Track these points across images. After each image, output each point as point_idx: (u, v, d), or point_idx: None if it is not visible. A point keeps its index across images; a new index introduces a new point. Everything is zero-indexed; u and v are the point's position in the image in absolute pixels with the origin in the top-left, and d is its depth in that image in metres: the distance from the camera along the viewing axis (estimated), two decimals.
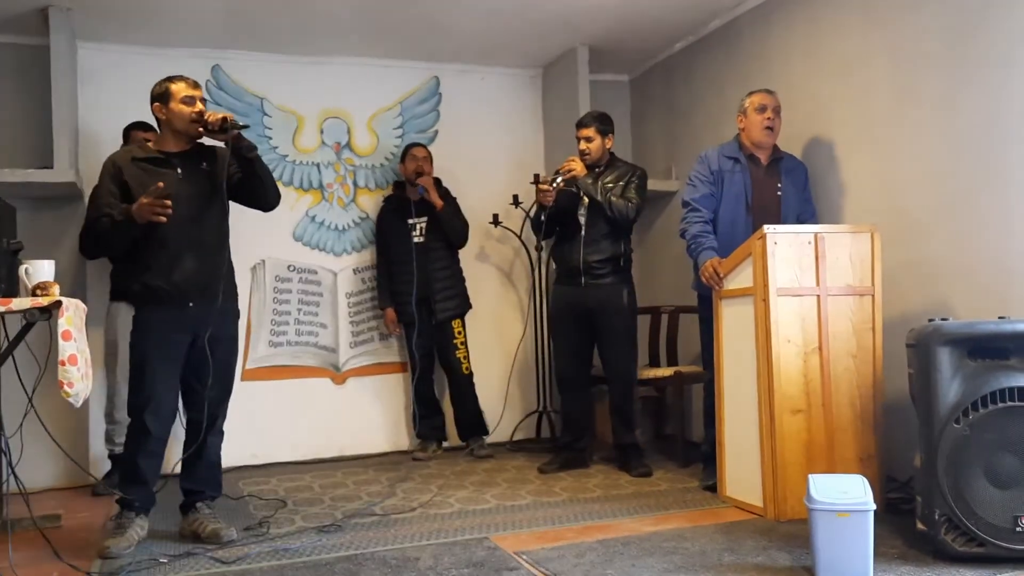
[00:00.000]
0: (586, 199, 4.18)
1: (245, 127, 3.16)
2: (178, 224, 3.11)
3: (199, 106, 3.18)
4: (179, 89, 3.17)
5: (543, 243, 4.46)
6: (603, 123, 4.26)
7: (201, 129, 3.16)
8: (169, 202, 3.02)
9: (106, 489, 3.95)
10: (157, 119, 3.27)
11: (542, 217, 4.25)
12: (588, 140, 4.21)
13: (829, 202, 3.91)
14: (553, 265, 4.52)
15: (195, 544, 3.13)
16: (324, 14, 4.41)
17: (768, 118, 3.70)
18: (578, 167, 4.15)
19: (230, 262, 3.37)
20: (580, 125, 4.27)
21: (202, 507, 3.29)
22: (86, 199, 4.17)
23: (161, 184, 3.02)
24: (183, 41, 4.70)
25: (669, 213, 5.23)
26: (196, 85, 3.23)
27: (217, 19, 4.42)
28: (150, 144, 3.32)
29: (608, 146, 4.28)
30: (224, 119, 3.10)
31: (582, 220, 4.20)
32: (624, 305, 4.21)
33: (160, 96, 3.21)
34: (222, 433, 3.42)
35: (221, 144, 3.23)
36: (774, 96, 3.75)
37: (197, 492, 3.30)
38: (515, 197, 5.13)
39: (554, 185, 4.12)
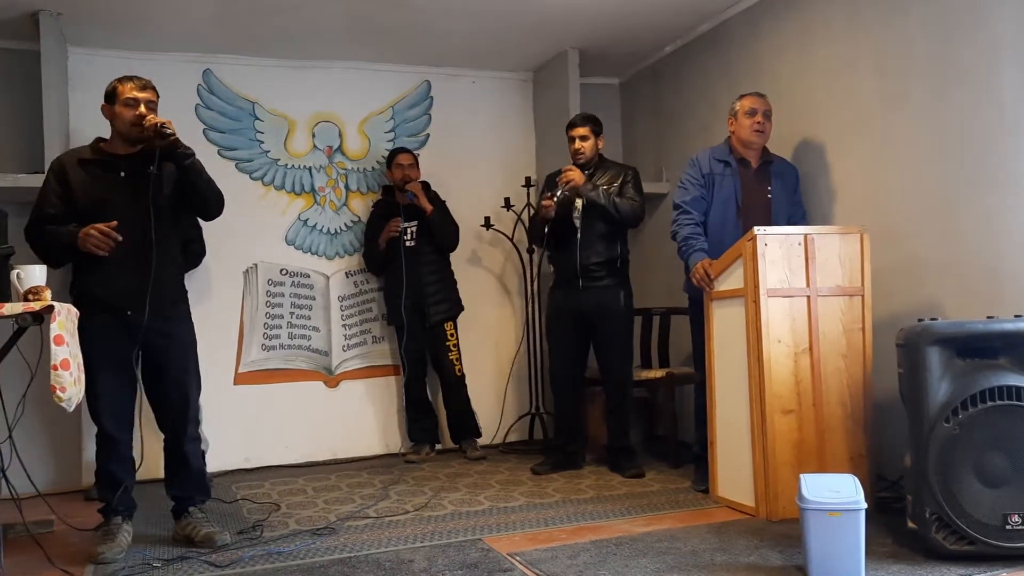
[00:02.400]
0: (579, 203, 4.18)
1: (174, 135, 3.05)
2: (119, 231, 3.03)
3: (141, 109, 3.09)
4: (124, 90, 3.10)
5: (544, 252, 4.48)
6: (595, 123, 4.28)
7: (140, 133, 3.09)
8: (113, 241, 2.99)
9: (97, 496, 3.94)
10: (107, 119, 3.20)
11: (545, 230, 4.23)
12: (583, 139, 4.22)
13: (819, 204, 3.93)
14: (549, 268, 4.52)
15: (188, 548, 3.12)
16: (315, 18, 4.42)
17: (758, 122, 3.72)
18: (576, 176, 4.14)
19: (179, 265, 3.32)
20: (572, 125, 4.28)
21: (194, 511, 3.29)
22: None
23: (115, 224, 2.98)
24: (174, 46, 4.70)
25: (660, 215, 5.25)
26: (146, 87, 3.15)
27: (208, 24, 4.42)
28: (103, 145, 3.22)
29: (600, 147, 4.30)
30: (158, 124, 3.03)
31: (577, 223, 4.20)
32: (621, 308, 4.22)
33: (108, 96, 3.14)
34: (199, 438, 3.39)
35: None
36: (764, 99, 3.77)
37: (186, 498, 3.31)
38: (506, 200, 5.14)
39: (556, 198, 4.12)
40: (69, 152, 3.31)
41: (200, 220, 3.40)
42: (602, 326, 4.21)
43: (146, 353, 3.15)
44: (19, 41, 4.37)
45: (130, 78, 3.15)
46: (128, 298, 3.09)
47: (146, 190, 3.11)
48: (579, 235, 4.20)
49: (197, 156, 3.20)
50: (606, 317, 4.19)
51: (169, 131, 3.04)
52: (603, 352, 4.27)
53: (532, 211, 4.61)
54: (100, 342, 3.07)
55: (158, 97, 3.21)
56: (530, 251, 5.14)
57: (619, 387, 4.25)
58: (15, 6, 4.05)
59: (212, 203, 3.30)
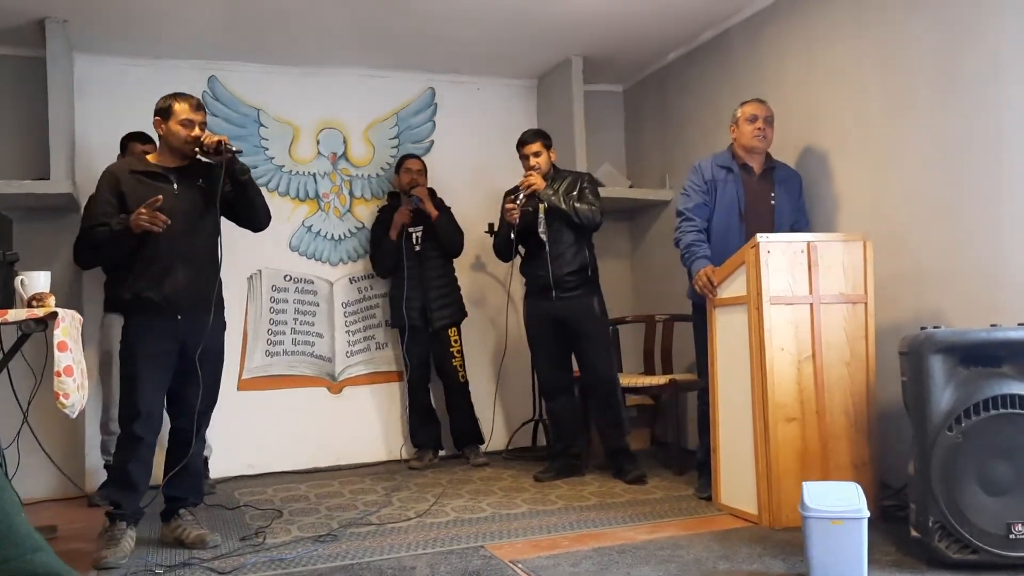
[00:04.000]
0: (542, 217, 4.21)
1: (239, 151, 3.26)
2: (171, 238, 3.18)
3: (197, 131, 3.25)
4: (180, 110, 3.25)
5: (513, 261, 4.50)
6: (545, 138, 4.36)
7: (197, 150, 3.26)
8: (163, 216, 3.10)
9: (102, 500, 3.95)
10: (157, 133, 3.34)
11: (511, 235, 4.28)
12: (536, 155, 4.28)
13: (822, 210, 3.93)
14: (524, 280, 4.54)
15: (188, 554, 3.13)
16: (320, 26, 4.43)
17: (759, 128, 3.72)
18: (537, 181, 4.21)
19: (219, 276, 3.40)
20: (524, 143, 4.33)
21: (184, 514, 3.34)
22: (82, 210, 4.17)
23: (160, 198, 3.09)
24: (180, 52, 4.72)
25: (663, 222, 5.25)
26: (199, 107, 3.30)
27: (214, 30, 4.44)
28: (149, 157, 3.38)
29: (553, 159, 4.37)
30: (219, 143, 3.20)
31: (544, 237, 4.23)
32: (596, 313, 4.26)
33: (161, 112, 3.28)
34: (204, 441, 3.50)
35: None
36: (765, 106, 3.78)
37: (180, 499, 3.35)
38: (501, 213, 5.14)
39: (518, 202, 4.19)
40: (119, 163, 3.50)
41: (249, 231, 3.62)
42: (581, 332, 4.25)
43: (184, 356, 3.25)
44: (25, 48, 4.40)
45: (184, 97, 3.29)
46: (178, 303, 3.22)
47: (196, 201, 3.30)
48: (547, 247, 4.23)
49: (251, 171, 3.40)
50: (583, 323, 4.23)
51: (232, 148, 3.22)
52: (585, 358, 4.31)
53: (496, 225, 4.62)
54: (146, 344, 3.19)
55: (207, 116, 3.39)
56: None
57: (606, 389, 4.27)
58: (22, 13, 4.08)
59: (262, 216, 3.50)
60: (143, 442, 3.17)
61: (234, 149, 3.23)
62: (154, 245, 3.18)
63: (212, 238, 3.32)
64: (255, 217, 3.48)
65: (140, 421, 3.15)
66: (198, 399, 3.26)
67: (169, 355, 3.23)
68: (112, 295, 3.66)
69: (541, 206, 4.22)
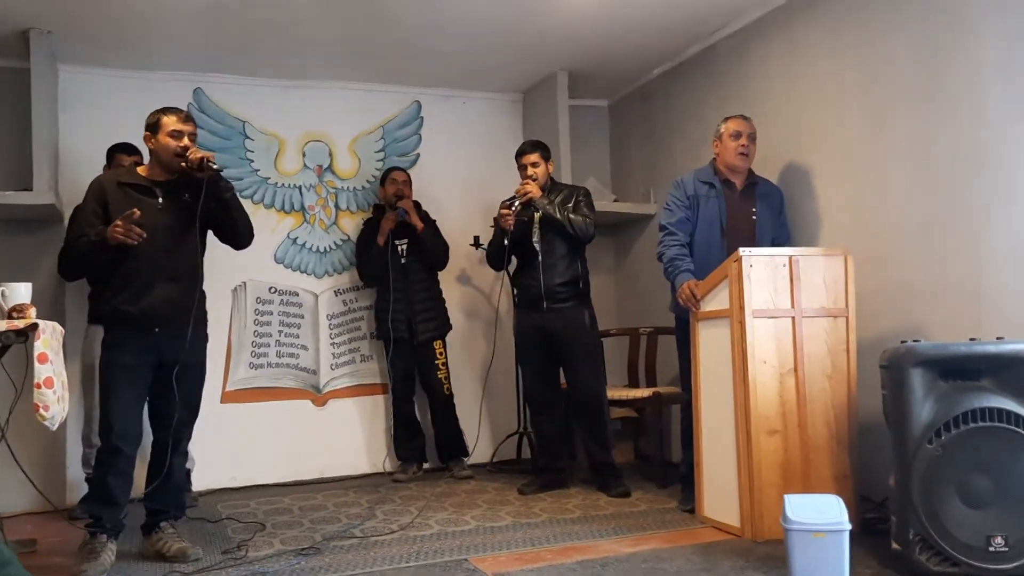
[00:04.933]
0: (537, 227, 4.24)
1: (221, 169, 3.27)
2: (153, 252, 3.18)
3: (185, 141, 3.25)
4: (169, 122, 3.25)
5: (507, 270, 4.50)
6: (544, 149, 4.37)
7: (182, 163, 3.25)
8: (139, 229, 3.07)
9: (82, 513, 3.92)
10: (148, 148, 3.34)
11: (504, 242, 4.28)
12: (535, 166, 4.30)
13: (804, 225, 3.96)
14: (515, 290, 4.54)
15: (158, 562, 3.13)
16: (306, 39, 4.45)
17: (742, 145, 3.75)
18: (533, 189, 4.22)
19: (202, 290, 3.41)
20: (523, 153, 4.35)
21: (166, 527, 3.32)
22: (66, 222, 4.16)
23: (137, 212, 3.06)
24: (165, 64, 4.72)
25: (647, 236, 5.28)
26: (188, 119, 3.30)
27: (199, 43, 4.45)
28: (140, 170, 3.38)
29: (550, 170, 4.39)
30: (203, 159, 3.20)
31: (537, 247, 4.26)
32: (587, 327, 4.27)
33: (151, 126, 3.29)
34: (186, 454, 3.49)
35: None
36: (749, 123, 3.81)
37: (161, 512, 3.33)
38: (496, 219, 5.15)
39: (513, 208, 4.19)
40: (107, 174, 3.48)
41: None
42: (570, 346, 4.25)
43: (162, 370, 3.23)
44: (9, 59, 4.38)
45: (173, 110, 3.30)
46: (157, 316, 3.21)
47: (181, 216, 3.29)
48: (540, 258, 4.25)
49: (235, 189, 3.39)
50: (573, 337, 4.23)
51: (215, 165, 3.21)
52: (573, 372, 4.30)
53: (491, 232, 4.61)
54: (124, 358, 3.18)
55: (196, 128, 3.36)
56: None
57: (593, 404, 4.27)
58: (6, 23, 4.06)
59: (244, 235, 3.48)
60: (122, 455, 3.15)
61: (217, 167, 3.22)
62: (135, 258, 3.17)
63: (195, 254, 3.32)
64: (237, 235, 3.47)
65: (118, 434, 3.13)
66: (177, 412, 3.23)
67: (147, 369, 3.22)
68: (93, 307, 3.65)
69: (536, 215, 4.24)
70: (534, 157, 4.31)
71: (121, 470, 3.17)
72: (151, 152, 3.33)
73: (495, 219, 4.37)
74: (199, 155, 3.21)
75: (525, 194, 4.22)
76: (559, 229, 4.19)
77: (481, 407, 5.21)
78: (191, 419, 3.40)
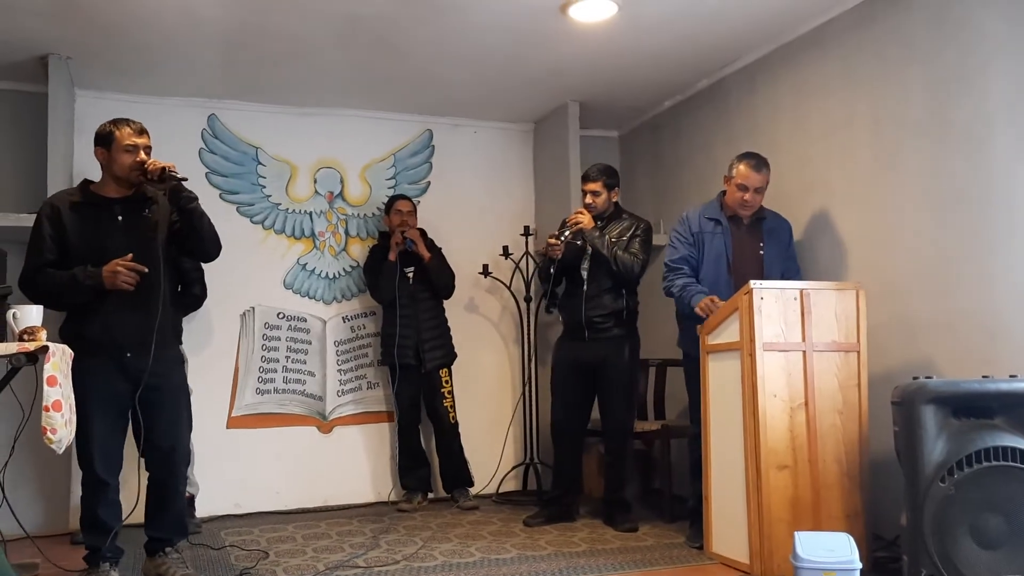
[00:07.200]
0: (589, 254, 4.18)
1: (184, 179, 3.12)
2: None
3: (141, 155, 3.12)
4: (123, 135, 3.11)
5: (556, 292, 4.43)
6: (610, 176, 4.26)
7: (141, 177, 3.13)
8: (136, 275, 3.00)
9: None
10: (100, 163, 3.20)
11: (551, 270, 4.21)
12: (595, 195, 4.20)
13: (814, 259, 3.95)
14: (547, 317, 4.49)
15: None
16: (320, 67, 4.49)
17: (746, 199, 3.70)
18: (585, 220, 4.13)
19: (174, 308, 3.31)
20: (586, 179, 4.26)
21: (170, 552, 3.28)
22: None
23: (142, 267, 3.00)
24: (180, 91, 4.77)
25: (656, 267, 5.24)
26: (142, 132, 3.16)
27: (214, 70, 4.50)
28: (92, 187, 3.23)
29: (614, 199, 4.29)
30: (163, 169, 3.07)
31: (584, 275, 4.20)
32: (625, 359, 4.17)
33: (102, 140, 3.15)
34: (186, 478, 3.39)
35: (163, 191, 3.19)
36: (761, 176, 3.69)
37: (165, 539, 3.29)
38: (505, 248, 5.16)
39: (563, 238, 4.11)
40: (58, 195, 3.29)
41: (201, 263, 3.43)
42: (605, 375, 4.18)
43: (143, 394, 3.11)
44: (27, 83, 4.45)
45: (125, 122, 3.16)
46: (126, 340, 3.09)
47: (143, 233, 3.14)
48: (585, 287, 4.19)
49: (199, 199, 3.21)
50: (609, 367, 4.16)
51: (177, 175, 3.07)
52: (605, 402, 4.24)
53: (539, 255, 4.54)
54: (96, 385, 3.05)
55: (150, 141, 3.20)
56: (527, 299, 5.15)
57: (619, 438, 4.22)
58: (26, 49, 4.12)
59: (210, 247, 3.30)
60: (105, 484, 3.10)
61: (179, 176, 3.09)
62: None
63: (158, 270, 3.13)
64: (203, 248, 3.28)
65: (97, 462, 3.08)
66: (163, 439, 3.18)
67: (120, 395, 3.10)
68: (64, 330, 3.29)
69: (588, 252, 4.18)
70: (596, 186, 4.20)
71: (110, 500, 3.13)
72: (103, 167, 3.17)
73: (545, 247, 4.28)
74: (159, 165, 3.07)
75: (576, 223, 4.14)
76: (605, 264, 4.13)
77: (487, 437, 5.18)
78: (177, 444, 3.27)
